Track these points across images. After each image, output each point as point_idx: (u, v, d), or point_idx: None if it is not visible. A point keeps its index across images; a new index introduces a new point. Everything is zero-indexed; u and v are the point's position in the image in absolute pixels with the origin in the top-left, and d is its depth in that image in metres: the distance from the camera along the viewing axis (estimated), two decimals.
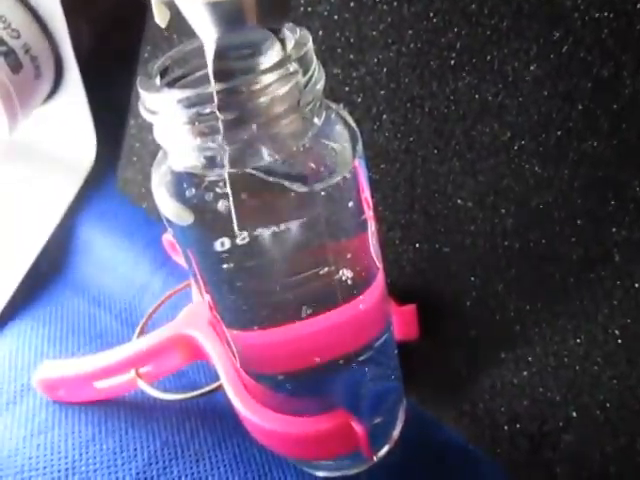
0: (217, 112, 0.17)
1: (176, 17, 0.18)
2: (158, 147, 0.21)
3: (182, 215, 0.19)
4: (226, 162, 0.18)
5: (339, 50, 0.29)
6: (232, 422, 0.30)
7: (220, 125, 0.17)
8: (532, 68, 0.24)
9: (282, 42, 0.18)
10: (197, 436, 0.30)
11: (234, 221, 0.18)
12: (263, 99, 0.17)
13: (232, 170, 0.18)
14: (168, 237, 0.35)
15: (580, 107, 0.24)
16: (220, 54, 0.17)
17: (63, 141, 0.42)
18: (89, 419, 0.31)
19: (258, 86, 0.17)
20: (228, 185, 0.18)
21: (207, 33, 0.17)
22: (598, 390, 0.26)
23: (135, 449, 0.30)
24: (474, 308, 0.29)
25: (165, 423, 0.31)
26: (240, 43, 0.18)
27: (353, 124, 0.21)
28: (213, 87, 0.17)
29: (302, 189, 0.18)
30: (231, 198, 0.18)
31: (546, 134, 0.25)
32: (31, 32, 0.36)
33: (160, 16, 0.17)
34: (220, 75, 0.17)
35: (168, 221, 0.20)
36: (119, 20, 0.36)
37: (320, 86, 0.19)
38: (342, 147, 0.20)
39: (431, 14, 0.26)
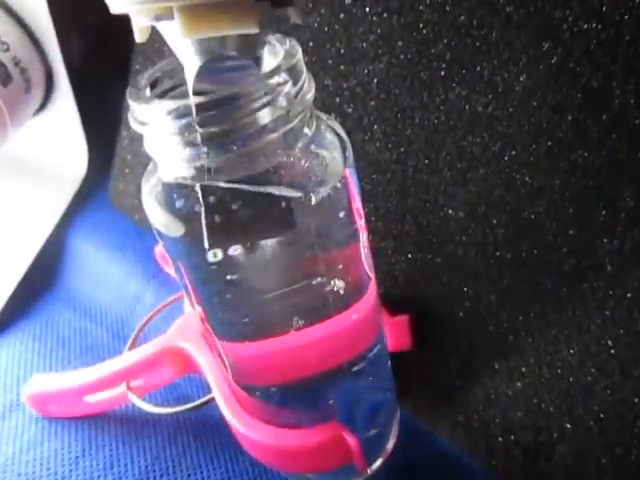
0: (197, 127, 0.17)
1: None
2: (150, 159, 0.21)
3: (172, 226, 0.19)
4: (205, 176, 0.18)
5: (329, 61, 0.29)
6: (224, 435, 0.29)
7: (199, 139, 0.17)
8: (522, 79, 0.24)
9: (259, 64, 0.18)
10: (189, 450, 0.30)
11: (205, 239, 0.18)
12: (251, 111, 0.17)
13: (221, 182, 0.18)
14: (160, 249, 0.35)
15: (570, 117, 0.24)
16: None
17: (54, 154, 0.42)
18: (79, 434, 0.31)
19: (246, 99, 0.17)
20: (201, 199, 0.18)
21: (190, 62, 0.17)
22: (592, 401, 0.26)
23: (126, 464, 0.29)
24: (467, 318, 0.29)
25: (156, 437, 0.30)
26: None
27: (343, 134, 0.21)
28: (193, 109, 0.17)
29: (293, 195, 0.18)
30: (203, 214, 0.18)
31: (537, 144, 0.25)
32: (21, 45, 0.36)
33: (140, 36, 0.17)
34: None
35: (159, 232, 0.20)
36: (109, 32, 0.37)
37: (310, 96, 0.19)
38: (332, 157, 0.20)
39: (421, 25, 0.26)
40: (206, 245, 0.18)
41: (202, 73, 0.17)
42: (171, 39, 0.17)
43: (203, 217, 0.18)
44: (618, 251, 0.24)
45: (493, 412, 0.29)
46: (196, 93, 0.17)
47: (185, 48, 0.17)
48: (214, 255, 0.19)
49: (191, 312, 0.31)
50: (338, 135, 0.20)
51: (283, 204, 0.19)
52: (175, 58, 0.20)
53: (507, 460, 0.29)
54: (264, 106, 0.17)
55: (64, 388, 0.30)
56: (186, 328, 0.29)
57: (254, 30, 0.16)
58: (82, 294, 0.39)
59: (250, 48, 0.18)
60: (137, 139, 0.39)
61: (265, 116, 0.17)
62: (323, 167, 0.19)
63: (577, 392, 0.26)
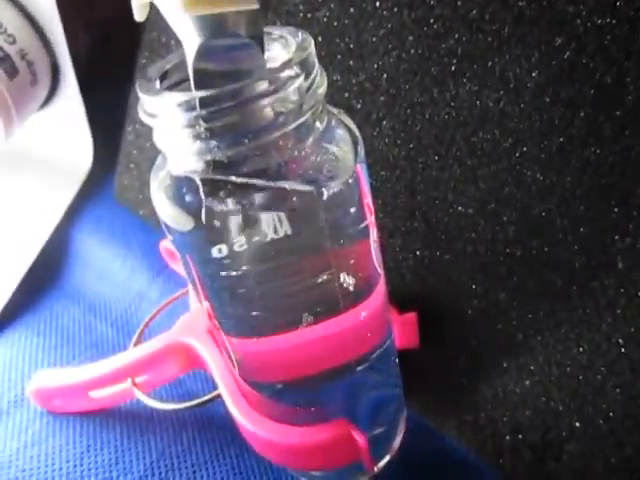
0: (201, 121, 0.17)
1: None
2: (156, 154, 0.20)
3: (181, 220, 0.19)
4: (212, 170, 0.18)
5: (339, 56, 0.29)
6: (230, 432, 0.29)
7: (209, 132, 0.17)
8: (534, 74, 0.24)
9: (262, 49, 0.18)
10: (194, 447, 0.30)
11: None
12: (263, 103, 0.17)
13: (232, 175, 0.18)
14: (165, 245, 0.35)
15: (582, 114, 0.24)
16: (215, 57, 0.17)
17: (60, 147, 0.42)
18: (84, 430, 0.30)
19: (256, 92, 0.17)
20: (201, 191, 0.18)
21: (189, 39, 0.17)
22: (601, 400, 0.26)
23: (131, 461, 0.29)
24: (475, 316, 0.29)
25: (162, 434, 0.30)
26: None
27: (355, 129, 0.20)
28: (194, 92, 0.17)
29: (305, 189, 0.18)
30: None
31: (548, 141, 0.25)
32: (27, 38, 0.36)
33: (139, 14, 0.17)
34: (215, 79, 0.17)
35: (167, 227, 0.20)
36: (116, 26, 0.36)
37: (322, 90, 0.19)
38: (343, 152, 0.19)
39: (432, 20, 0.26)
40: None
41: (202, 52, 0.17)
42: (170, 16, 0.17)
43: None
44: (630, 249, 0.24)
45: (501, 411, 0.29)
46: (197, 73, 0.17)
47: (185, 26, 0.17)
48: (219, 251, 0.19)
49: (197, 308, 0.30)
50: (349, 130, 0.20)
51: (293, 199, 0.18)
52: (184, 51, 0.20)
53: (515, 459, 0.29)
54: (275, 100, 0.17)
55: (69, 383, 0.30)
56: (192, 324, 0.29)
57: (254, 6, 0.16)
58: (87, 289, 0.39)
59: (251, 25, 0.17)
60: (143, 134, 0.39)
61: (276, 110, 0.17)
62: (334, 162, 0.19)
63: (586, 391, 0.26)
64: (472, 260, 0.28)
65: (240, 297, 0.21)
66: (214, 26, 0.17)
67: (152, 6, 0.18)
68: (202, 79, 0.17)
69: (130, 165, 0.41)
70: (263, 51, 0.18)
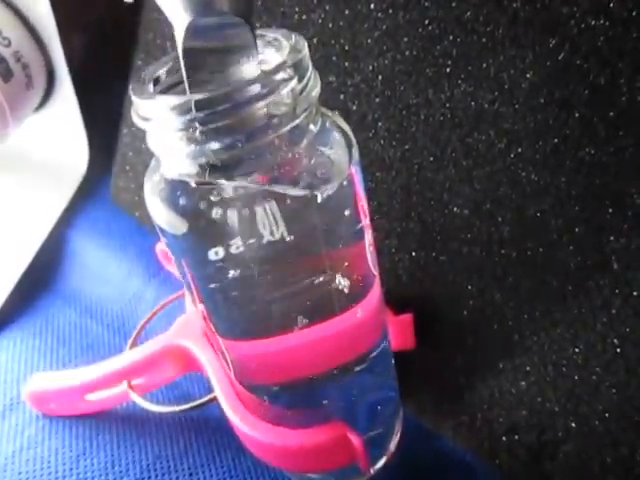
0: (197, 124, 0.17)
1: (168, 28, 0.18)
2: (152, 156, 0.20)
3: (176, 224, 0.19)
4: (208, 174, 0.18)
5: (334, 58, 0.29)
6: (226, 435, 0.29)
7: (203, 135, 0.17)
8: (528, 75, 0.24)
9: (253, 33, 0.17)
10: (190, 450, 0.29)
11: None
12: (257, 106, 0.17)
13: (226, 179, 0.18)
14: (161, 246, 0.35)
15: (577, 114, 0.24)
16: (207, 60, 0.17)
17: (55, 150, 0.42)
18: (80, 433, 0.30)
19: (250, 95, 0.17)
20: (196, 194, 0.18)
21: (178, 18, 0.17)
22: (597, 400, 0.26)
23: (127, 463, 0.29)
24: (471, 317, 0.29)
25: (158, 436, 0.30)
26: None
27: (349, 131, 0.20)
28: (188, 95, 0.17)
29: (299, 193, 0.18)
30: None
31: (543, 141, 0.25)
32: (22, 40, 0.36)
33: None
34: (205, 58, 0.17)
35: (161, 230, 0.19)
36: (112, 28, 0.36)
37: (316, 93, 0.19)
38: (338, 154, 0.19)
39: (426, 22, 0.26)
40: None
41: (192, 30, 0.17)
42: None
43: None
44: (624, 249, 0.24)
45: (497, 411, 0.29)
46: (187, 52, 0.17)
47: (173, 4, 0.17)
48: (215, 253, 0.19)
49: (193, 310, 0.30)
50: (344, 132, 0.20)
51: (287, 201, 0.18)
52: (177, 54, 0.20)
53: (511, 460, 0.29)
54: (269, 102, 0.17)
55: (65, 386, 0.30)
56: (188, 326, 0.29)
57: None
58: (83, 292, 0.39)
59: (240, 3, 0.17)
60: (138, 136, 0.39)
61: (270, 112, 0.17)
62: (329, 165, 0.19)
63: (582, 391, 0.26)
64: (467, 261, 0.28)
65: (235, 300, 0.21)
66: (203, 4, 0.16)
67: (147, 8, 0.18)
68: (192, 59, 0.17)
69: (126, 167, 0.41)
70: (253, 29, 0.17)
